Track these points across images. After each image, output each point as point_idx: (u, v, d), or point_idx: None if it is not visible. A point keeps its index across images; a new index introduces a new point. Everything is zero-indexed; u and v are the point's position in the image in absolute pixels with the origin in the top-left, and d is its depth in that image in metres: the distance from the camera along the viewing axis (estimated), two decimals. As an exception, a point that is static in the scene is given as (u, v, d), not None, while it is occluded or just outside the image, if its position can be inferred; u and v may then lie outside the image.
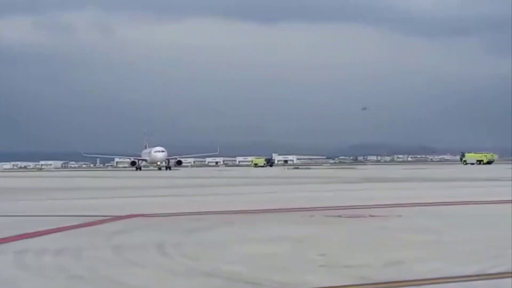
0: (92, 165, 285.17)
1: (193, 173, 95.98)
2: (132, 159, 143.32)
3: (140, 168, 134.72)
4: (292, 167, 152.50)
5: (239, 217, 18.70)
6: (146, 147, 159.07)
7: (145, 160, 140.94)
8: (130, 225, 16.49)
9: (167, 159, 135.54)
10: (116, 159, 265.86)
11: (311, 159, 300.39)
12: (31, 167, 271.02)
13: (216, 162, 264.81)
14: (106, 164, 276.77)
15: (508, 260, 10.06)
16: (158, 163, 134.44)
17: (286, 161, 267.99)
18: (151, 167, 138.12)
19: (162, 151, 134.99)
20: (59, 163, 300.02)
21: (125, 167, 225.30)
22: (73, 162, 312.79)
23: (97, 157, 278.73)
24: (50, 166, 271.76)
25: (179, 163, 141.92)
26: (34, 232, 14.64)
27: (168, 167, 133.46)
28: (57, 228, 15.53)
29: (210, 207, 22.40)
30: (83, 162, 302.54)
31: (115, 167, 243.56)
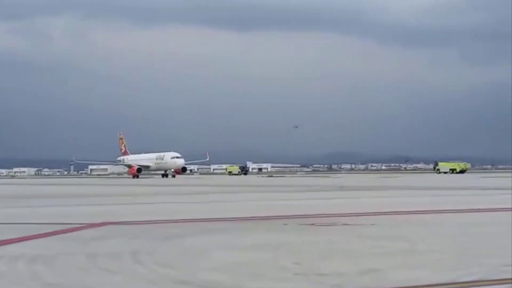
0: (66, 172, 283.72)
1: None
2: (138, 166, 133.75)
3: (137, 176, 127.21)
4: (267, 175, 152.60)
5: (214, 225, 18.67)
6: (126, 152, 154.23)
7: (147, 167, 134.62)
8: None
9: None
10: (90, 167, 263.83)
11: (285, 167, 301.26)
12: (4, 174, 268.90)
13: (191, 170, 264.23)
14: (80, 172, 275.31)
15: (481, 269, 10.15)
16: (172, 170, 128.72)
17: (260, 169, 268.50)
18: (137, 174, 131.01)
19: (181, 157, 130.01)
20: (32, 170, 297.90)
21: (99, 174, 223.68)
22: (46, 169, 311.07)
23: (72, 164, 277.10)
24: (24, 173, 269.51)
25: (184, 170, 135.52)
26: (6, 240, 14.56)
27: (166, 175, 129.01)
28: (32, 236, 15.44)
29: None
30: (57, 170, 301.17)
31: (89, 175, 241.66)
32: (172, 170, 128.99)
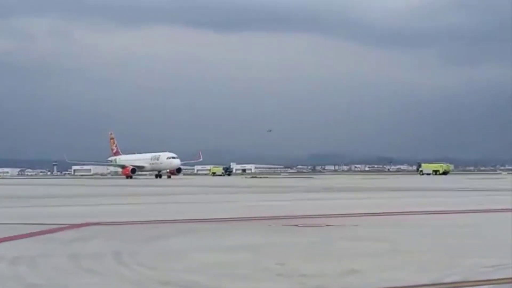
0: (49, 173, 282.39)
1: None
2: (132, 167, 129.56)
3: (131, 177, 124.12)
4: (250, 176, 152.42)
5: (197, 225, 18.64)
6: (118, 152, 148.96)
7: (142, 167, 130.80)
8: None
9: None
10: (74, 167, 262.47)
11: (269, 168, 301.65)
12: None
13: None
14: (63, 172, 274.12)
15: (461, 269, 10.18)
16: (167, 170, 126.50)
17: (244, 170, 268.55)
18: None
19: (177, 158, 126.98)
20: (15, 171, 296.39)
21: (83, 175, 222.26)
22: (29, 170, 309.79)
23: (55, 165, 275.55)
24: (7, 174, 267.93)
25: (178, 170, 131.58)
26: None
27: (159, 175, 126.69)
28: (12, 237, 15.36)
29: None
30: (40, 170, 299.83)
31: (72, 175, 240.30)
32: (167, 170, 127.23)
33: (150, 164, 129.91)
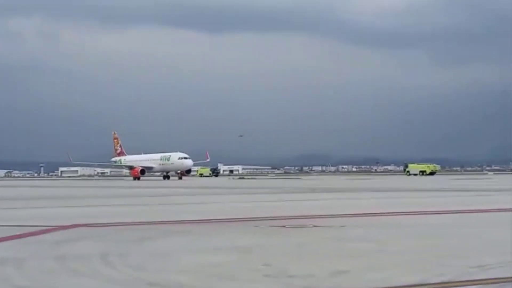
0: (36, 174, 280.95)
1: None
2: (141, 168, 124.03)
3: (139, 178, 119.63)
4: (238, 177, 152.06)
5: (185, 227, 18.68)
6: (123, 153, 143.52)
7: (150, 168, 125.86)
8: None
9: None
10: (61, 169, 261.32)
11: (256, 169, 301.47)
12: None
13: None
14: (50, 174, 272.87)
15: (450, 270, 10.27)
16: (179, 171, 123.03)
17: (231, 171, 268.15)
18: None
19: (189, 158, 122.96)
20: (2, 172, 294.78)
21: (69, 176, 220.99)
22: (16, 171, 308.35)
23: (42, 166, 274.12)
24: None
25: (188, 171, 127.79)
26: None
27: (167, 176, 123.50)
28: (1, 238, 15.35)
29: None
30: (27, 172, 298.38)
31: (59, 177, 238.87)
32: (178, 171, 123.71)
33: (160, 164, 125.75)
